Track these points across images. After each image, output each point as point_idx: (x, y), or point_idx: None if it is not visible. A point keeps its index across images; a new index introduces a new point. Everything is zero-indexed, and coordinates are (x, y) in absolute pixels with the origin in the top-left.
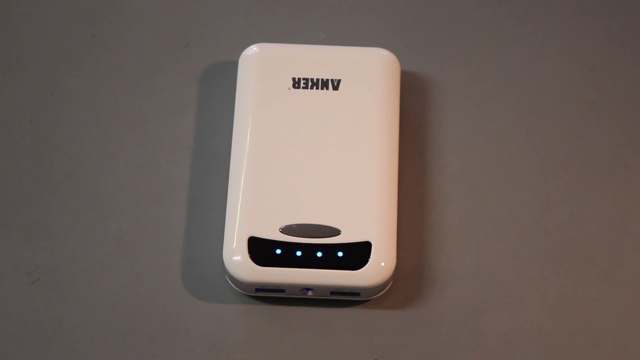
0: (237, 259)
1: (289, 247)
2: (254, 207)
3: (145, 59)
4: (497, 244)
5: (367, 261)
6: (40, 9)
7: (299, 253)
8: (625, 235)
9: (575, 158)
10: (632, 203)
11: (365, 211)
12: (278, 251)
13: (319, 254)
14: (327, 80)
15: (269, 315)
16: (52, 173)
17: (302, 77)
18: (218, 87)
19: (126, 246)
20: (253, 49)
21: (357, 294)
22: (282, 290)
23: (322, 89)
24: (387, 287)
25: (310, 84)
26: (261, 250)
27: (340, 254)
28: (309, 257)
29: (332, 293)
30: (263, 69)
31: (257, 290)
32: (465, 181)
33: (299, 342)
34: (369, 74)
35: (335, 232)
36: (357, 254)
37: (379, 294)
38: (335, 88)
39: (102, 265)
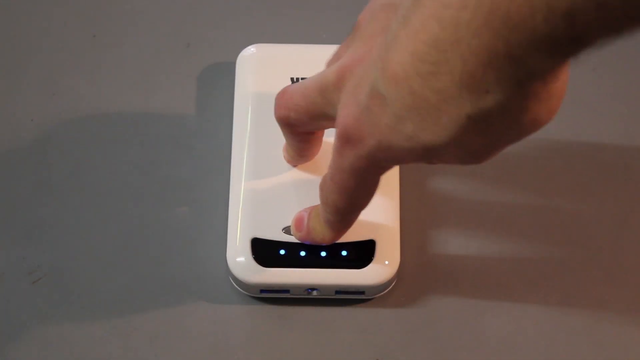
0: (240, 260)
1: (292, 248)
2: (256, 208)
3: (145, 59)
4: (498, 243)
5: (371, 259)
6: (41, 8)
7: (303, 253)
8: (625, 235)
9: (575, 158)
10: (632, 203)
11: (368, 209)
12: (282, 252)
13: (323, 254)
14: None
15: (273, 316)
16: (53, 172)
17: (300, 76)
18: (219, 87)
19: (127, 246)
20: (250, 49)
21: (362, 293)
22: (287, 291)
23: None
24: (391, 286)
25: None
26: (265, 252)
27: (344, 252)
28: (313, 257)
29: (337, 292)
30: (261, 70)
31: (262, 291)
32: (466, 180)
33: (303, 341)
34: None
35: None
36: (361, 253)
37: (383, 292)
38: None
39: (104, 266)
